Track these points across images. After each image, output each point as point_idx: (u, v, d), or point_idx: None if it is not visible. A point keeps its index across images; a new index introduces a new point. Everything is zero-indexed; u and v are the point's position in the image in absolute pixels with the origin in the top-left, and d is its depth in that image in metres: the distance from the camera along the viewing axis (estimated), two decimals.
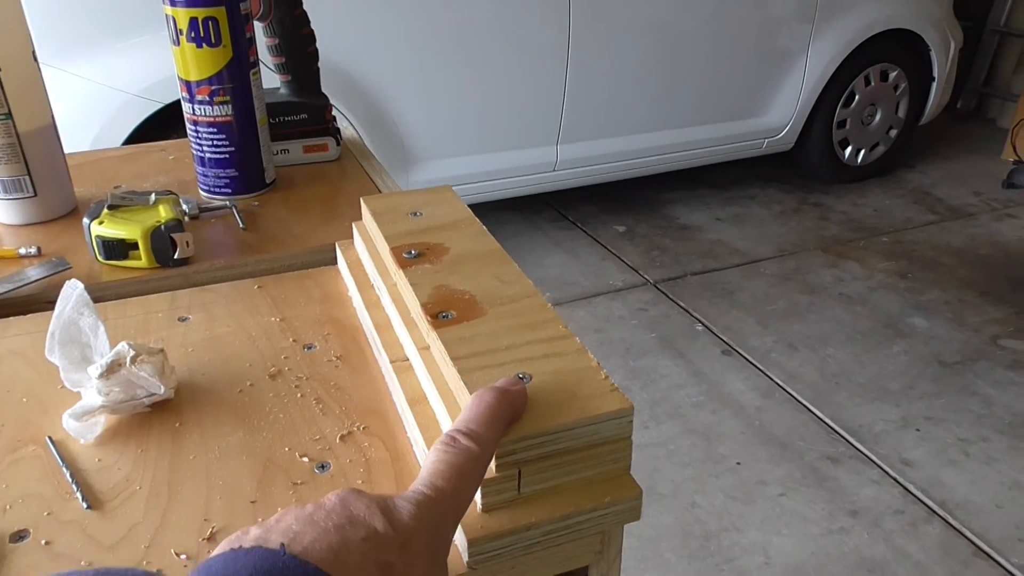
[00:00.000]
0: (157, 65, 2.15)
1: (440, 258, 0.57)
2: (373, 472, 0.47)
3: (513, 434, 0.40)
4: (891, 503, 1.90)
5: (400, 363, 0.53)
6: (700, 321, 2.61)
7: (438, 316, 0.50)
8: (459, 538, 0.41)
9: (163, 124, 2.19)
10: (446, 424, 0.46)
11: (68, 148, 0.82)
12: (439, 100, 2.62)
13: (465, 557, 0.41)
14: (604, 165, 2.99)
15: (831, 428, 2.15)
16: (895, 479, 1.98)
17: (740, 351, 2.46)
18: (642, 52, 2.85)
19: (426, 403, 0.49)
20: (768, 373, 2.36)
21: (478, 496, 0.41)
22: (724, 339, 2.52)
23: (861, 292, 2.80)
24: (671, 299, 2.73)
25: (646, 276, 2.87)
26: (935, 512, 1.87)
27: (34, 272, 0.67)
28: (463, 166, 2.74)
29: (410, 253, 0.57)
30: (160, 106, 2.18)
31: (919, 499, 1.91)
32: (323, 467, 0.47)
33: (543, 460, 0.41)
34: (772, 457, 2.04)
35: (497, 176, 2.80)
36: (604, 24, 2.72)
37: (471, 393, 0.42)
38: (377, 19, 2.42)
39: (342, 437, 0.50)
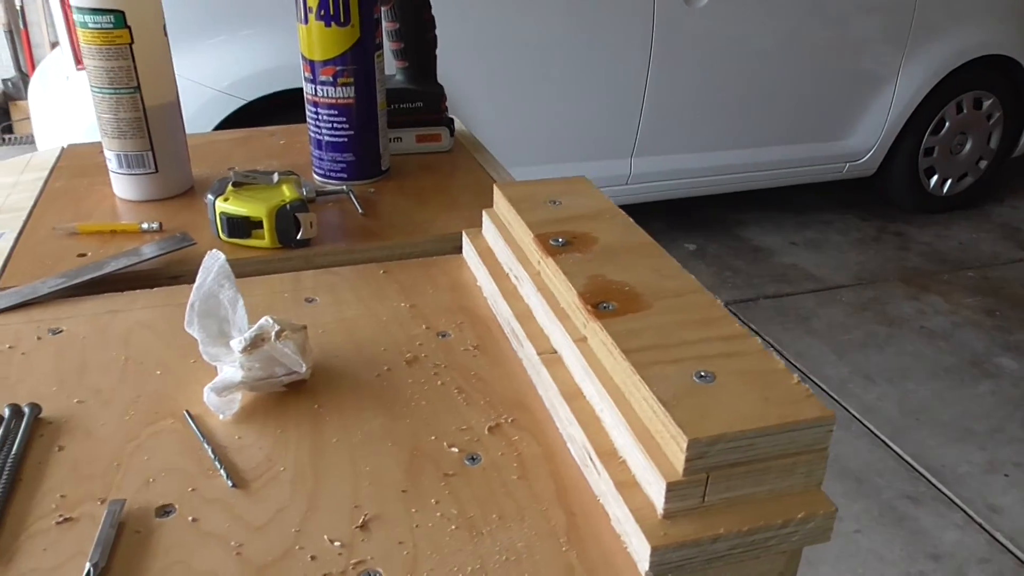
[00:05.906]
0: (241, 63, 2.18)
1: (590, 248, 0.53)
2: (527, 467, 0.44)
3: (707, 434, 0.36)
4: (976, 550, 1.80)
5: (548, 355, 0.50)
6: (773, 346, 2.53)
7: (598, 306, 0.47)
8: (638, 544, 0.37)
9: (245, 121, 2.22)
10: (609, 419, 0.43)
11: None
12: (514, 108, 2.60)
13: (644, 566, 0.37)
14: (678, 181, 2.93)
15: (911, 466, 2.05)
16: (980, 525, 1.87)
17: (814, 379, 2.37)
18: (724, 67, 2.79)
19: (582, 398, 0.46)
20: (844, 404, 2.27)
21: (659, 500, 0.37)
22: (797, 366, 2.43)
23: (944, 327, 2.68)
24: (743, 321, 2.65)
25: (717, 297, 2.80)
26: None
27: (160, 246, 0.66)
28: (536, 174, 2.71)
29: (557, 241, 0.54)
30: (243, 103, 2.20)
31: (1008, 549, 1.81)
32: (473, 459, 0.44)
33: (734, 467, 0.37)
34: (848, 492, 1.96)
35: None
36: (687, 38, 2.67)
37: (650, 389, 0.39)
38: (454, 25, 2.41)
39: (490, 429, 0.47)
